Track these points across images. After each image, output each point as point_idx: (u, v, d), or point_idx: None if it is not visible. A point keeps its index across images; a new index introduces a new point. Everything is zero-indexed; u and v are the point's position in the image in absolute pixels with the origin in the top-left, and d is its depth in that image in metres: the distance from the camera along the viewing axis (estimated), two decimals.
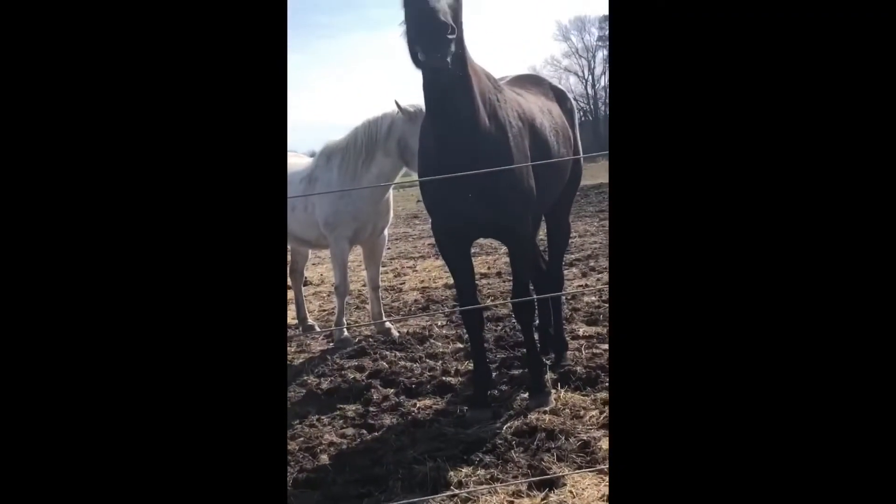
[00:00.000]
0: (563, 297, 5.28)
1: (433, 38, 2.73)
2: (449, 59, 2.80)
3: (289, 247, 6.49)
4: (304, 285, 6.93)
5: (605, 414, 3.53)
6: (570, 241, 5.92)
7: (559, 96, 4.53)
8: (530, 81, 4.50)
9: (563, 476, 2.95)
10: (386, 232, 5.99)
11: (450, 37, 2.74)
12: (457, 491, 2.92)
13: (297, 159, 6.29)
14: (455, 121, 3.38)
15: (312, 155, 6.46)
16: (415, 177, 4.90)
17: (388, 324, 5.79)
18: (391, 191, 5.83)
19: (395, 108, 5.31)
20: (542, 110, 4.09)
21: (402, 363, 4.87)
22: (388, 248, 8.67)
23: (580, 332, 5.11)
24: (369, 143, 5.39)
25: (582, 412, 3.65)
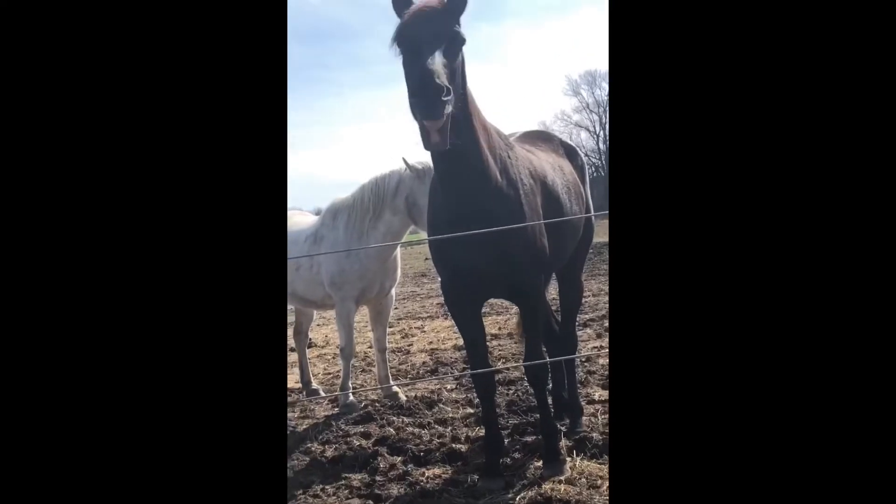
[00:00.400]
0: (578, 360, 5.11)
1: (429, 101, 2.71)
2: (445, 115, 2.77)
3: (293, 307, 6.37)
4: (309, 347, 6.77)
5: None
6: (583, 300, 5.78)
7: (570, 152, 4.46)
8: (541, 138, 4.44)
9: None
10: (393, 291, 5.84)
11: (445, 98, 2.71)
12: None
13: (303, 217, 6.21)
14: (464, 178, 3.29)
15: (318, 213, 6.39)
16: (423, 235, 4.81)
17: (395, 388, 5.60)
18: (398, 249, 5.73)
19: (403, 166, 5.25)
20: (553, 167, 4.01)
21: (410, 429, 4.67)
22: (396, 308, 8.53)
23: (596, 397, 4.91)
24: (377, 200, 5.31)
25: (599, 481, 3.46)
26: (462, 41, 2.99)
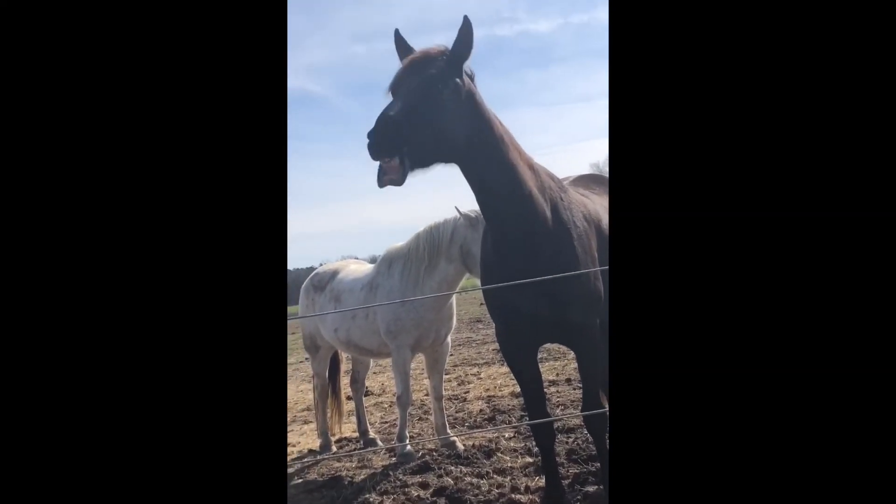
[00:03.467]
0: None
1: (372, 138, 2.81)
2: (396, 157, 2.83)
3: (350, 356, 6.40)
4: (365, 395, 6.76)
5: None
6: None
7: None
8: (594, 181, 4.40)
9: None
10: (449, 338, 5.82)
11: (390, 131, 2.79)
12: None
13: (358, 266, 6.27)
14: (511, 220, 3.28)
15: (373, 260, 6.45)
16: (477, 281, 4.78)
17: (452, 436, 5.53)
18: (454, 296, 5.71)
19: (457, 214, 5.27)
20: (607, 210, 3.96)
21: (468, 479, 4.58)
22: (451, 355, 8.48)
23: None
24: (431, 249, 5.33)
25: None
26: (452, 89, 3.01)
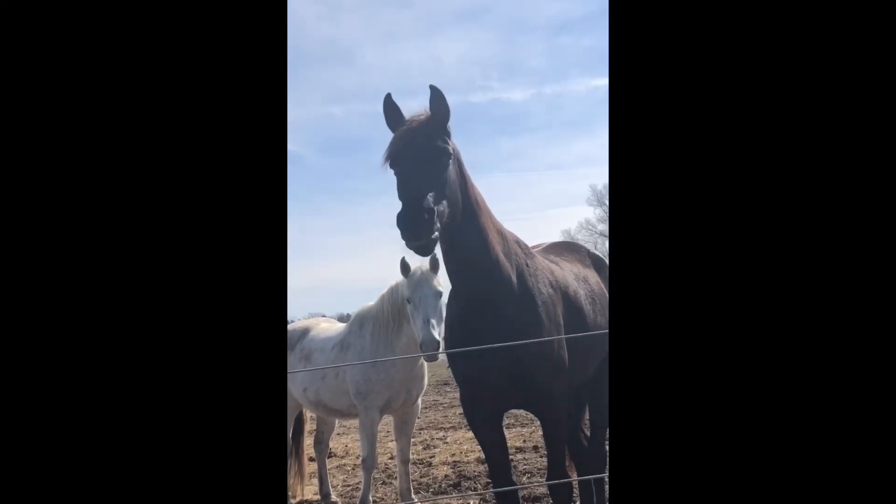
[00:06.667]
0: (607, 478, 4.90)
1: (413, 227, 2.80)
2: (434, 237, 2.85)
3: (316, 415, 6.28)
4: (328, 457, 6.61)
5: None
6: None
7: (597, 263, 4.45)
8: (566, 248, 4.45)
9: None
10: (420, 400, 5.74)
11: (427, 217, 2.81)
12: None
13: (329, 324, 6.22)
14: (474, 284, 3.30)
15: (341, 319, 6.38)
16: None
17: (416, 502, 5.41)
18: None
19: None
20: (577, 278, 3.99)
21: None
22: (419, 418, 8.36)
23: None
24: (393, 310, 5.27)
25: None
26: (448, 155, 3.07)
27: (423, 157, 3.00)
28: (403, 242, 2.83)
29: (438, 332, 4.35)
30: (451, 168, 3.10)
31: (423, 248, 2.87)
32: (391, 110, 3.22)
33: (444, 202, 2.97)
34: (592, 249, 4.86)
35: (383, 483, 6.67)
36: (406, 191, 2.92)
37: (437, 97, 3.10)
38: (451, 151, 3.11)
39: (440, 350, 4.24)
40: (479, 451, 7.36)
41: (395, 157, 3.06)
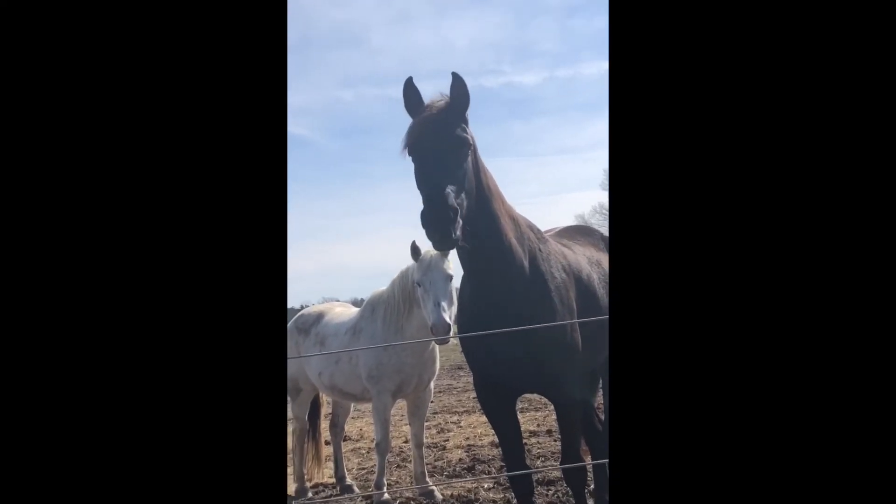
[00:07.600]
0: None
1: (439, 227, 2.80)
2: (458, 235, 2.84)
3: (331, 400, 6.33)
4: (343, 441, 6.67)
5: None
6: None
7: None
8: (580, 232, 4.44)
9: None
10: (432, 384, 5.76)
11: (453, 216, 2.80)
12: None
13: (343, 309, 6.24)
14: (487, 270, 3.30)
15: (355, 303, 6.40)
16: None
17: (431, 485, 5.45)
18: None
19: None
20: (591, 262, 3.97)
21: None
22: (432, 402, 8.40)
23: None
24: (404, 295, 5.26)
25: None
26: (468, 145, 3.06)
27: (442, 147, 2.98)
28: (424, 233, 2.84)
29: (449, 315, 4.36)
30: (472, 156, 3.09)
31: (447, 246, 2.87)
32: (412, 94, 3.19)
33: (463, 194, 2.96)
34: (606, 233, 4.84)
35: (398, 466, 6.72)
36: (426, 182, 2.92)
37: (458, 84, 3.07)
38: (471, 141, 3.09)
39: (451, 333, 4.25)
40: (493, 434, 7.36)
41: (414, 146, 3.04)
